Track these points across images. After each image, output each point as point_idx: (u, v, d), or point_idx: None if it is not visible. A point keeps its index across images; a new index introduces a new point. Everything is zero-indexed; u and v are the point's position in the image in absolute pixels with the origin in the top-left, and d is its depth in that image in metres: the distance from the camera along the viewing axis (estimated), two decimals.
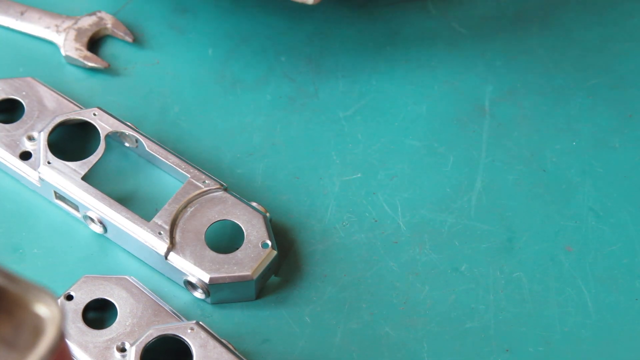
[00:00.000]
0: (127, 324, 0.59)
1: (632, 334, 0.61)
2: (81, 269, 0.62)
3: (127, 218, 0.61)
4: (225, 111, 0.68)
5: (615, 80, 0.69)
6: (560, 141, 0.67)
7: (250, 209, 0.62)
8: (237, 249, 0.61)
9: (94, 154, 0.63)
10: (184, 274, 0.60)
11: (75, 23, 0.70)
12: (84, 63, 0.69)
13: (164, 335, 0.57)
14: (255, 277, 0.60)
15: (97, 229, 0.63)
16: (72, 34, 0.70)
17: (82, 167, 0.63)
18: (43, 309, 0.39)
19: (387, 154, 0.67)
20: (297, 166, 0.66)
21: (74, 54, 0.69)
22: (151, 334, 0.57)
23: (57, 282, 0.62)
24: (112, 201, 0.62)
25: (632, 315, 0.61)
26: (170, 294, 0.62)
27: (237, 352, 0.57)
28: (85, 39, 0.70)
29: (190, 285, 0.61)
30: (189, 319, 0.61)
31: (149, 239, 0.61)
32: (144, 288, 0.60)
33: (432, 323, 0.61)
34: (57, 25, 0.70)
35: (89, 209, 0.62)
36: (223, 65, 0.70)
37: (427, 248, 0.63)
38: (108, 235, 0.63)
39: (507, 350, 0.60)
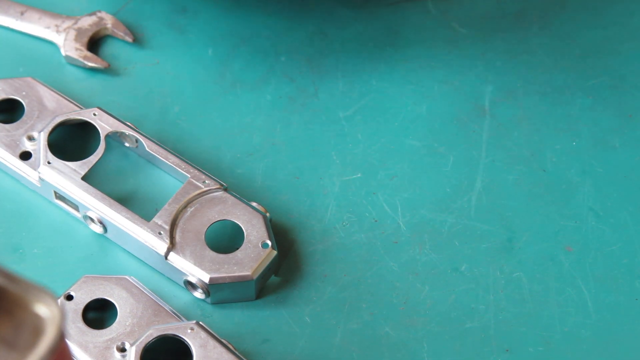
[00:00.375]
0: (127, 324, 0.59)
1: (632, 334, 0.61)
2: (81, 269, 0.62)
3: (127, 218, 0.61)
4: (225, 111, 0.68)
5: (615, 80, 0.69)
6: (560, 141, 0.67)
7: (250, 209, 0.62)
8: (237, 249, 0.61)
9: (94, 154, 0.63)
10: (184, 274, 0.60)
11: (75, 23, 0.70)
12: (84, 63, 0.69)
13: (164, 335, 0.57)
14: (255, 277, 0.60)
15: (97, 229, 0.63)
16: (72, 34, 0.70)
17: (82, 167, 0.63)
18: (43, 309, 0.39)
19: (387, 154, 0.67)
20: (297, 166, 0.66)
21: (74, 54, 0.69)
22: (151, 334, 0.57)
23: (57, 282, 0.62)
24: (112, 201, 0.62)
25: (632, 315, 0.61)
26: (170, 294, 0.62)
27: (237, 352, 0.57)
28: (85, 39, 0.70)
29: (190, 285, 0.61)
30: (189, 319, 0.61)
31: (149, 239, 0.61)
32: (144, 288, 0.60)
33: (432, 323, 0.61)
34: (57, 25, 0.70)
35: (89, 209, 0.62)
36: (223, 65, 0.70)
37: (427, 248, 0.63)
38: (108, 235, 0.63)
39: (507, 350, 0.60)
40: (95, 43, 0.70)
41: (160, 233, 0.61)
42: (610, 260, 0.63)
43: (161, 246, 0.61)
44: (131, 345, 0.58)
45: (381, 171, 0.66)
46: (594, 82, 0.69)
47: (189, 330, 0.57)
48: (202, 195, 0.62)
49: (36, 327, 0.39)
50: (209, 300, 0.61)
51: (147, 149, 0.64)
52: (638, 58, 0.70)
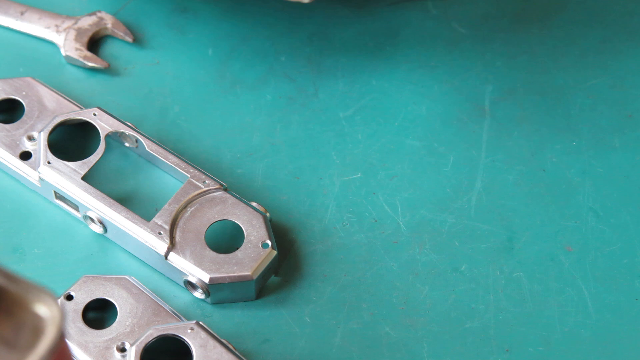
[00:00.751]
0: (127, 324, 0.59)
1: (632, 334, 0.61)
2: (81, 269, 0.62)
3: (127, 218, 0.61)
4: (225, 111, 0.68)
5: (615, 80, 0.69)
6: (560, 141, 0.67)
7: (250, 209, 0.62)
8: (237, 249, 0.61)
9: (94, 154, 0.63)
10: (184, 274, 0.60)
11: (75, 23, 0.70)
12: (84, 63, 0.69)
13: (164, 335, 0.57)
14: (255, 277, 0.60)
15: (97, 229, 0.63)
16: (72, 34, 0.70)
17: (82, 167, 0.63)
18: (43, 309, 0.39)
19: (387, 154, 0.67)
20: (297, 166, 0.66)
21: (74, 54, 0.69)
22: (151, 334, 0.57)
23: (57, 282, 0.62)
24: (112, 201, 0.62)
25: (632, 315, 0.61)
26: (170, 294, 0.62)
27: (237, 352, 0.57)
28: (85, 39, 0.70)
29: (190, 285, 0.61)
30: (189, 319, 0.61)
31: (149, 239, 0.61)
32: (144, 288, 0.60)
33: (432, 323, 0.61)
34: (57, 25, 0.70)
35: (89, 209, 0.62)
36: (223, 65, 0.70)
37: (427, 248, 0.63)
38: (108, 235, 0.63)
39: (507, 350, 0.60)
40: (95, 43, 0.70)
41: (160, 233, 0.61)
42: (610, 260, 0.63)
43: (161, 246, 0.61)
44: (131, 345, 0.58)
45: (381, 171, 0.66)
46: (594, 82, 0.69)
47: (189, 330, 0.57)
48: (202, 195, 0.62)
49: (36, 327, 0.39)
50: (209, 300, 0.61)
51: (147, 149, 0.64)
52: (638, 58, 0.70)
